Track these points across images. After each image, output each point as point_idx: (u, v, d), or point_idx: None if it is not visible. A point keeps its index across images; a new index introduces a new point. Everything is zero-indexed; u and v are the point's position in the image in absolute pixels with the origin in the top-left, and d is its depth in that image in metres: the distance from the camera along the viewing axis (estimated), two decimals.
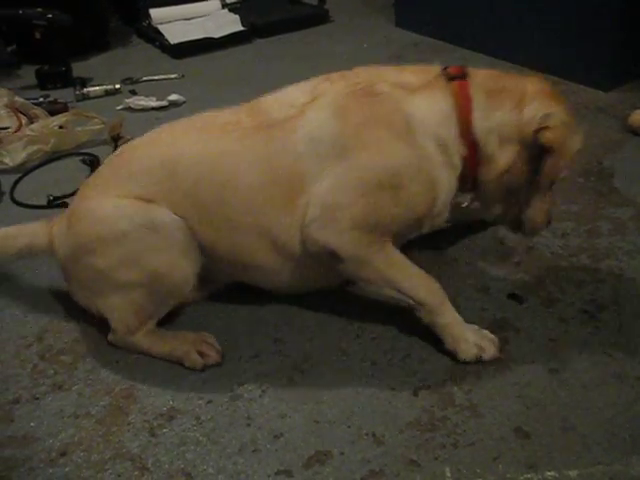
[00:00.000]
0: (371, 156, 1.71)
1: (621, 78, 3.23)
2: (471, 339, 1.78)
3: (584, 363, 1.76)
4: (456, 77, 1.79)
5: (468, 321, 1.85)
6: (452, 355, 1.79)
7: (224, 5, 4.65)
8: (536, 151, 1.73)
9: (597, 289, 2.00)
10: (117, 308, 1.85)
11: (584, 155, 2.66)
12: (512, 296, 1.99)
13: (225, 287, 2.05)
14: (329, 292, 2.03)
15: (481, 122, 1.76)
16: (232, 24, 4.29)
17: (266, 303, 2.02)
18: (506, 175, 1.79)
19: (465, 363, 1.77)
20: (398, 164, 1.71)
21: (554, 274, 2.07)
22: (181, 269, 1.82)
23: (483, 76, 1.81)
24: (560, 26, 3.30)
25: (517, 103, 1.75)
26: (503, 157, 1.77)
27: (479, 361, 1.77)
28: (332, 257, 1.75)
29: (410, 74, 1.81)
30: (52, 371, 1.86)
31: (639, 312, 1.91)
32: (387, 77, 1.79)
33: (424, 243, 2.21)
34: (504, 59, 3.50)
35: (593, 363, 1.76)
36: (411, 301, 1.79)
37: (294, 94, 1.84)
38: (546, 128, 1.71)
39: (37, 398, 1.78)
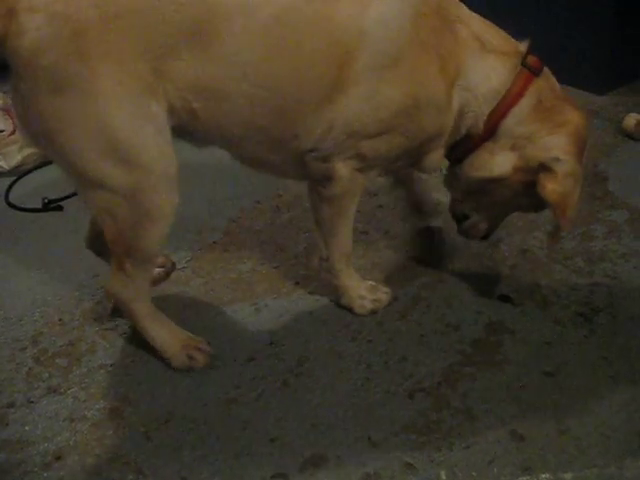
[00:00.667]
0: (410, 80, 1.66)
1: (615, 82, 3.25)
2: (367, 296, 1.96)
3: (579, 366, 1.77)
4: (530, 68, 1.76)
5: (463, 324, 1.85)
6: (349, 310, 1.97)
7: None
8: (529, 179, 1.74)
9: (592, 292, 2.01)
10: (91, 199, 1.65)
11: None
12: (503, 297, 2.00)
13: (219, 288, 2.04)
14: (324, 294, 2.04)
15: (512, 121, 1.75)
16: None
17: (262, 306, 2.03)
18: (491, 183, 1.81)
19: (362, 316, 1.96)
20: (426, 96, 1.68)
21: (549, 277, 2.07)
22: (168, 178, 1.64)
23: (548, 85, 1.79)
24: (554, 30, 3.31)
25: (551, 128, 1.74)
26: (502, 164, 1.77)
27: (374, 312, 1.96)
28: (324, 178, 1.77)
29: (494, 35, 1.77)
30: (47, 374, 1.85)
31: (634, 315, 1.92)
32: (473, 24, 1.74)
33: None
34: None
35: (588, 366, 1.77)
36: (324, 252, 1.93)
37: None
38: (549, 170, 1.70)
39: (32, 402, 1.77)
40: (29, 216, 2.57)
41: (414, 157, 1.81)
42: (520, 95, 1.74)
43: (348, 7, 1.62)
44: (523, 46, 1.81)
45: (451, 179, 1.92)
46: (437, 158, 1.83)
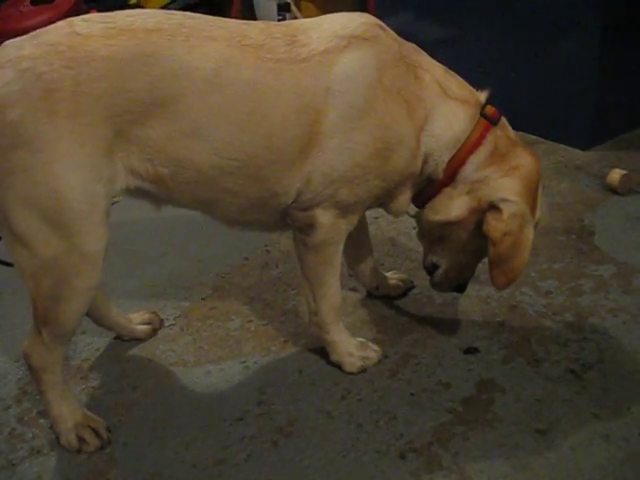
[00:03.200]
0: (380, 125, 1.70)
1: (598, 137, 3.30)
2: (356, 353, 1.95)
3: (571, 424, 1.75)
4: (489, 117, 1.82)
5: (454, 382, 1.84)
6: (338, 367, 1.95)
7: None
8: (481, 220, 1.79)
9: (582, 348, 2.00)
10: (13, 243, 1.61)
11: (565, 213, 2.71)
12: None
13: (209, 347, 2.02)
14: (314, 352, 2.03)
15: (470, 168, 1.81)
16: None
17: (251, 364, 2.00)
18: (449, 225, 1.85)
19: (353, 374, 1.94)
20: (397, 138, 1.72)
21: (539, 333, 2.07)
22: (93, 257, 1.62)
23: (504, 133, 1.85)
24: (540, 88, 3.38)
25: (504, 171, 1.79)
26: (458, 207, 1.83)
27: (363, 371, 1.94)
28: (306, 226, 1.79)
29: (456, 84, 1.82)
30: (30, 435, 1.82)
31: (624, 371, 1.91)
32: (434, 71, 1.79)
33: (408, 303, 2.22)
34: None
35: (580, 423, 1.75)
36: (312, 305, 1.92)
37: (337, 24, 1.73)
38: (496, 210, 1.75)
39: (14, 464, 1.73)
40: (13, 270, 2.54)
41: (387, 198, 1.85)
42: (478, 144, 1.80)
43: (313, 70, 1.66)
44: (483, 96, 1.87)
45: (419, 226, 1.97)
46: (405, 201, 1.88)
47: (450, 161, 1.80)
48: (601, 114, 3.25)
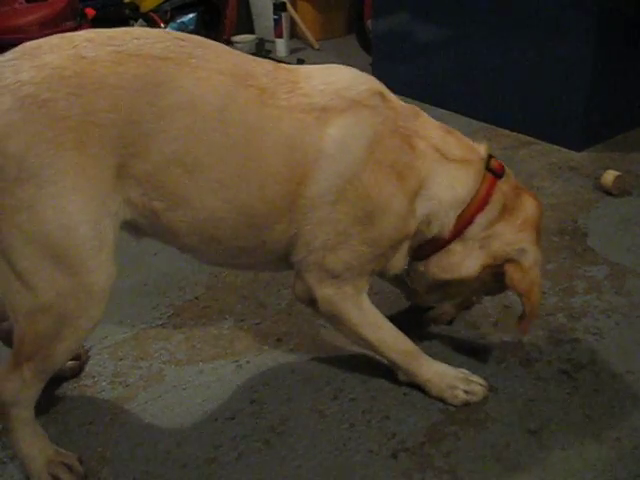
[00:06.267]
0: (364, 196, 1.65)
1: (592, 139, 3.31)
2: (459, 386, 1.84)
3: (563, 424, 1.76)
4: (494, 172, 1.77)
5: None
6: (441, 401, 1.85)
7: None
8: (496, 271, 1.76)
9: (574, 348, 2.01)
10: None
11: (558, 214, 2.71)
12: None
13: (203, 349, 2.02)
14: (306, 352, 2.02)
15: (479, 227, 1.76)
16: None
17: (243, 363, 2.00)
18: (457, 281, 1.80)
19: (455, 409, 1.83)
20: (381, 209, 1.67)
21: (531, 333, 2.07)
22: (103, 290, 1.54)
23: (510, 186, 1.79)
24: (534, 89, 3.39)
25: (514, 225, 1.76)
26: (471, 266, 1.78)
27: (467, 404, 1.83)
28: (311, 302, 1.79)
29: (455, 144, 1.76)
30: None
31: (616, 372, 1.92)
32: (431, 136, 1.73)
33: (400, 304, 2.22)
34: (481, 120, 3.59)
35: (572, 424, 1.76)
36: (385, 361, 1.86)
37: (343, 82, 1.68)
38: (515, 263, 1.73)
39: (4, 462, 1.72)
40: None
41: (387, 260, 1.79)
42: (485, 202, 1.75)
43: (309, 125, 1.61)
44: (483, 149, 1.81)
45: (413, 275, 1.89)
46: (400, 260, 1.81)
47: (457, 221, 1.75)
48: (595, 115, 3.27)
